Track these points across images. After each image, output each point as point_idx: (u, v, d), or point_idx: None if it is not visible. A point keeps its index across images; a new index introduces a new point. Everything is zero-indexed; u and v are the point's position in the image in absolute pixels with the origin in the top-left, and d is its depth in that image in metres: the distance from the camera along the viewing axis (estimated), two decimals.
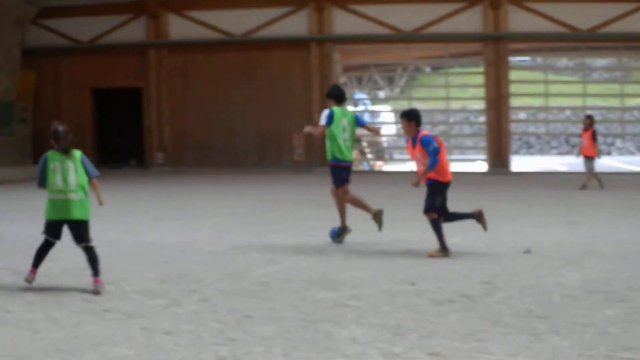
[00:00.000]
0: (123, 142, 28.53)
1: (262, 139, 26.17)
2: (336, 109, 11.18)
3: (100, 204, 8.64)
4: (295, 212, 11.22)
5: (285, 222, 11.81)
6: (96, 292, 8.07)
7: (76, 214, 8.24)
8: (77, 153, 8.44)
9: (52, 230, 8.36)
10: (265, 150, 26.40)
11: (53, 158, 8.26)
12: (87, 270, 8.41)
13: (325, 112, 11.16)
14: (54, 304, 7.61)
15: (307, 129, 11.65)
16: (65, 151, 8.26)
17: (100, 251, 10.49)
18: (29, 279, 8.35)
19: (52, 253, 10.29)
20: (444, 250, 10.11)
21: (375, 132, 11.87)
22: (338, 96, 11.39)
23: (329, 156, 11.22)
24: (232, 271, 9.16)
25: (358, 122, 11.40)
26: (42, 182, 8.31)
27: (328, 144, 11.14)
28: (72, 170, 8.25)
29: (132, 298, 7.80)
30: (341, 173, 11.18)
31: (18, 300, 7.81)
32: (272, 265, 9.53)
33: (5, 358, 5.93)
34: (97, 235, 11.93)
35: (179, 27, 26.98)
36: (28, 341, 6.38)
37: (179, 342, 6.28)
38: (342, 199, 11.24)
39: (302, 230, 11.72)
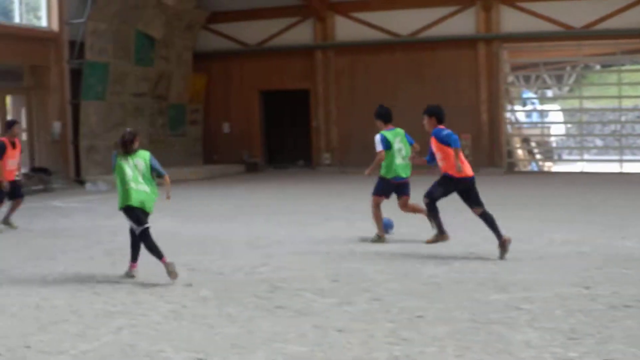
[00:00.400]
0: (291, 143, 28.98)
1: (429, 139, 25.94)
2: (386, 133, 11.62)
3: (168, 198, 9.37)
4: (465, 212, 11.04)
5: (454, 222, 11.66)
6: (130, 276, 9.04)
7: (147, 204, 9.08)
8: (146, 154, 9.43)
9: (137, 216, 9.01)
10: None
11: (121, 158, 9.24)
12: (259, 268, 8.61)
13: (378, 138, 11.61)
14: (228, 300, 7.79)
15: (367, 171, 12.02)
16: (128, 153, 9.23)
17: (271, 250, 10.74)
18: (173, 273, 8.73)
19: (223, 250, 10.62)
20: (440, 234, 10.65)
21: (416, 149, 11.81)
22: (386, 116, 11.84)
23: (384, 173, 11.61)
24: (402, 271, 9.13)
25: (408, 140, 11.81)
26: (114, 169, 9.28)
27: (385, 164, 11.54)
28: (141, 166, 9.20)
29: (303, 296, 7.88)
30: (397, 188, 11.64)
31: (193, 295, 8.05)
32: (442, 266, 9.44)
33: (182, 351, 6.11)
34: (268, 234, 12.25)
35: (345, 29, 27.14)
36: (203, 335, 6.55)
37: (352, 340, 6.30)
38: (379, 211, 11.67)
39: (472, 231, 11.55)
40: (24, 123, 24.01)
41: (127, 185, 9.05)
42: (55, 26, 23.22)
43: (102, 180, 22.68)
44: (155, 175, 9.30)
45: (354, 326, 6.71)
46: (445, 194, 10.55)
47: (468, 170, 10.32)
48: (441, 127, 10.58)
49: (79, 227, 13.95)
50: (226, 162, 27.89)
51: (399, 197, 11.73)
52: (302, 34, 27.87)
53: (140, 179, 9.13)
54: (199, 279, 8.84)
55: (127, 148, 9.27)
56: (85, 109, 23.35)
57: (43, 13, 23.46)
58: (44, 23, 23.43)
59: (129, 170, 9.13)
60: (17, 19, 22.90)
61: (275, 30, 28.08)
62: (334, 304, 7.54)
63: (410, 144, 11.78)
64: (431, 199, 10.57)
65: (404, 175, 11.62)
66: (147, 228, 8.99)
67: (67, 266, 10.01)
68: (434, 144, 10.56)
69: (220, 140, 28.77)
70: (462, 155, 10.27)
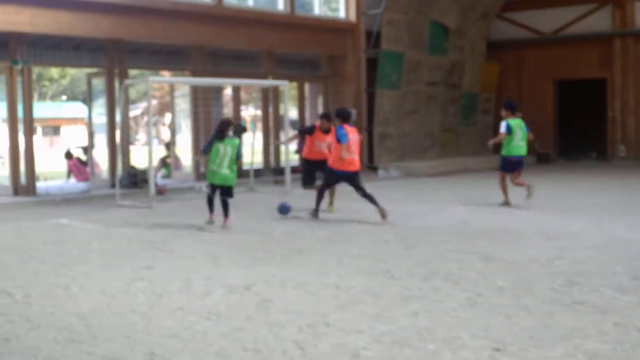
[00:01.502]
0: (584, 134, 28.08)
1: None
2: (511, 121, 14.92)
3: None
4: None
5: None
6: (225, 228, 12.45)
7: (226, 182, 12.63)
8: (236, 142, 12.68)
9: (212, 189, 12.79)
10: None
11: (219, 142, 12.53)
12: (555, 261, 8.40)
13: (504, 124, 14.91)
14: (524, 291, 7.67)
15: (491, 141, 16.15)
16: (222, 139, 12.55)
17: (565, 243, 10.47)
18: (209, 222, 12.82)
19: (516, 241, 10.52)
20: (315, 212, 13.43)
21: (530, 137, 15.31)
22: (512, 108, 15.12)
23: (505, 153, 15.03)
24: None
25: (525, 129, 15.21)
26: (206, 150, 12.73)
27: (505, 144, 14.96)
28: (228, 155, 12.49)
29: (602, 292, 7.60)
30: (514, 164, 15.11)
31: (489, 285, 8.00)
32: None
33: (479, 339, 6.09)
34: (561, 226, 11.94)
35: None
36: (500, 325, 6.49)
37: None
38: (505, 182, 15.22)
39: None
40: (319, 110, 24.99)
41: (214, 167, 12.53)
42: (352, 17, 23.93)
43: (394, 166, 23.12)
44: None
45: None
46: (333, 183, 13.58)
47: (348, 167, 13.09)
48: (343, 125, 13.15)
49: (372, 211, 14.28)
50: None
51: (512, 172, 15.13)
52: (600, 21, 26.96)
53: (225, 163, 12.49)
54: (493, 269, 8.79)
55: (222, 134, 12.55)
56: (379, 97, 23.89)
57: (341, 5, 24.26)
58: (341, 14, 24.21)
59: (220, 156, 12.47)
60: (316, 11, 23.85)
61: (571, 17, 27.37)
62: (636, 302, 7.21)
63: (527, 132, 15.17)
64: (322, 185, 13.55)
65: (521, 153, 15.06)
66: (212, 196, 12.81)
67: (362, 248, 10.31)
68: (332, 138, 13.46)
69: None
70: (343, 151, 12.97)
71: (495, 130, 28.45)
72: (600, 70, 26.90)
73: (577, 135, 28.08)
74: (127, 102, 18.91)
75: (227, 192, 12.66)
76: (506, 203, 14.99)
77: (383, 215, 12.83)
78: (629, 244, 10.45)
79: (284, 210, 13.87)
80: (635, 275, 8.35)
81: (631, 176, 21.54)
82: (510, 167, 15.08)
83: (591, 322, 6.52)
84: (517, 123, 15.00)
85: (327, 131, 14.70)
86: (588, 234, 11.40)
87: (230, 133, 12.63)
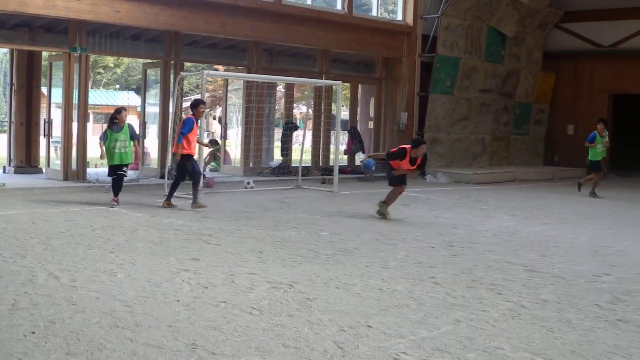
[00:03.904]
0: (638, 151, 27.71)
1: None
2: (596, 133, 19.52)
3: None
4: None
5: None
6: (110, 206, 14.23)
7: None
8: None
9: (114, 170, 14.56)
10: None
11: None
12: (601, 277, 8.28)
13: (591, 135, 19.46)
14: (568, 305, 7.60)
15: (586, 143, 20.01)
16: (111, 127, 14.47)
17: (613, 259, 10.32)
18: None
19: (563, 254, 10.40)
20: (169, 200, 14.47)
21: (606, 144, 19.88)
22: (605, 122, 20.14)
23: (592, 158, 19.77)
24: None
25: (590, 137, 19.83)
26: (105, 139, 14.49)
27: (592, 152, 19.65)
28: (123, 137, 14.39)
29: None
30: (598, 166, 19.76)
31: (532, 297, 7.93)
32: None
33: (520, 351, 6.05)
34: (610, 242, 11.79)
35: None
36: (542, 338, 6.44)
37: None
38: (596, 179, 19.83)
39: None
40: (371, 112, 24.98)
41: (113, 150, 14.23)
42: (409, 20, 23.89)
43: (442, 172, 23.03)
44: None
45: None
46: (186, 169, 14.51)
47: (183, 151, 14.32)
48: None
49: (418, 216, 14.27)
50: (567, 165, 27.26)
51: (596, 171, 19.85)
52: None
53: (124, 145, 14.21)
54: (538, 281, 8.72)
55: (111, 122, 14.46)
56: (432, 102, 23.82)
57: (399, 7, 24.22)
58: (399, 17, 24.17)
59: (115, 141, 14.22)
60: (373, 12, 23.86)
61: (631, 31, 26.99)
62: None
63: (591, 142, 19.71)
64: (177, 176, 14.65)
65: (598, 158, 19.74)
66: (114, 178, 14.38)
67: (408, 253, 10.29)
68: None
69: (563, 141, 28.17)
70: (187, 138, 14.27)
71: (549, 141, 28.46)
72: None
73: (633, 151, 27.70)
74: (182, 94, 19.08)
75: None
76: (593, 193, 19.69)
77: (193, 204, 14.40)
78: None
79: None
80: None
81: None
82: (599, 167, 19.83)
83: (634, 341, 6.44)
84: (599, 135, 19.63)
85: (413, 161, 13.66)
86: (638, 250, 11.26)
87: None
